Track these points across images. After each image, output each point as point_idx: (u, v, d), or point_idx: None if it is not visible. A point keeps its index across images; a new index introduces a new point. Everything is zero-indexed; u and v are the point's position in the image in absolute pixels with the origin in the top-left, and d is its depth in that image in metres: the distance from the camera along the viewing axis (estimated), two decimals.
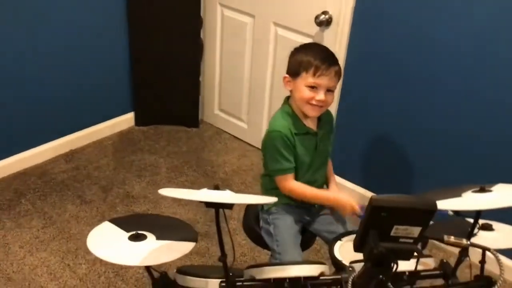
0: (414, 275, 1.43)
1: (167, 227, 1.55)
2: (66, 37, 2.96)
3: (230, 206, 1.34)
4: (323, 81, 1.74)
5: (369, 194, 2.88)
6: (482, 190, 1.35)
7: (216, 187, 1.34)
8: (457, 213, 1.32)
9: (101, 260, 2.43)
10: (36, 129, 3.04)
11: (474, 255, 1.80)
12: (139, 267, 2.34)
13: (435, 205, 1.05)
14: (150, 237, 1.45)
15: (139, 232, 1.45)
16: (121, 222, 1.51)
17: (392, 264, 1.16)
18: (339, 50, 2.70)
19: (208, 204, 1.33)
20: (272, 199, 1.42)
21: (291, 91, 1.84)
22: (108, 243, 1.43)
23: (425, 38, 2.41)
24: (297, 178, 1.83)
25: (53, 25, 2.88)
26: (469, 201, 1.31)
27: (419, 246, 1.15)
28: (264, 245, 1.96)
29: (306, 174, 1.87)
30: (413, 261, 1.44)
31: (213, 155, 3.30)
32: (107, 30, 3.15)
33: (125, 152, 3.26)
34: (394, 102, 2.63)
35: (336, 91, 2.69)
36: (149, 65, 3.35)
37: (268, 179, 1.91)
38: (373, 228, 1.10)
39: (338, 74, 1.79)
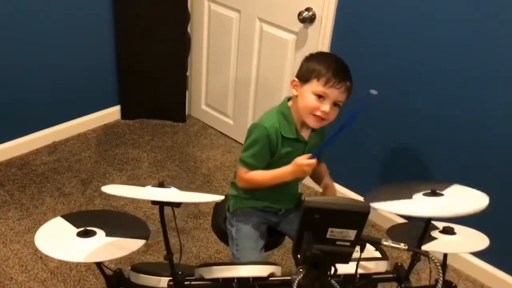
0: (366, 277, 1.40)
1: (119, 223, 1.53)
2: (51, 29, 2.95)
3: (176, 205, 1.31)
4: (333, 93, 1.67)
5: (353, 195, 2.85)
6: (433, 193, 1.31)
7: (161, 184, 1.32)
8: (407, 217, 1.29)
9: None
10: (20, 120, 3.03)
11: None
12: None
13: (368, 208, 1.02)
14: (100, 233, 1.43)
15: (88, 228, 1.43)
16: (73, 218, 1.50)
17: (331, 267, 1.13)
18: (322, 47, 2.67)
19: (153, 202, 1.31)
20: (219, 197, 1.39)
21: (296, 96, 1.75)
22: (56, 239, 1.42)
23: (409, 33, 2.37)
24: (278, 189, 1.78)
25: (38, 17, 2.87)
26: (418, 206, 1.27)
27: (357, 249, 1.12)
28: None
29: None
30: (368, 264, 1.43)
31: (197, 151, 3.28)
32: (93, 22, 3.13)
33: (109, 145, 3.25)
34: (384, 106, 2.59)
35: None
36: (136, 59, 3.33)
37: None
38: (308, 230, 1.07)
39: (349, 89, 1.72)
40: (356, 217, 1.04)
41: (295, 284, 1.22)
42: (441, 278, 1.13)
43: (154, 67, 3.36)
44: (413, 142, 2.55)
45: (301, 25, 2.72)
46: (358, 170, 2.80)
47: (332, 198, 1.04)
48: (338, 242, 1.09)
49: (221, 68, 3.28)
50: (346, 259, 1.12)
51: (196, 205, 2.80)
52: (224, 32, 3.16)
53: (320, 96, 1.67)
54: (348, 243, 1.09)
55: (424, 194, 1.33)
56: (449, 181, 1.56)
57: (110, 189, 1.28)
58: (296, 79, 1.75)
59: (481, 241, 1.58)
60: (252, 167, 1.76)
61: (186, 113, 3.58)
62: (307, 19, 2.67)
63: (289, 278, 1.39)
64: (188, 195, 1.30)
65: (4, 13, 2.74)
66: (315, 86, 1.67)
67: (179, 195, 1.30)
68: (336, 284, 1.25)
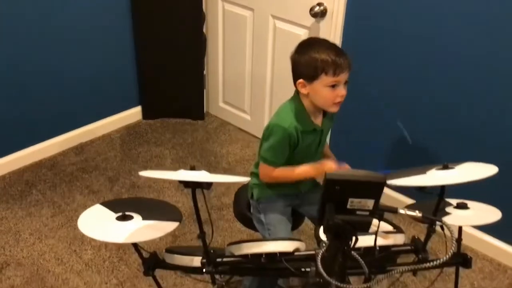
0: (385, 250, 1.50)
1: (154, 208, 1.64)
2: (74, 36, 3.09)
3: (207, 186, 1.43)
4: (342, 77, 1.73)
5: None
6: (445, 167, 1.41)
7: (192, 168, 1.43)
8: (421, 189, 1.38)
9: (106, 246, 2.56)
10: (48, 124, 3.18)
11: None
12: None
13: (384, 178, 1.12)
14: (137, 217, 1.54)
15: (126, 213, 1.54)
16: (111, 205, 1.61)
17: (352, 237, 1.24)
18: (334, 40, 2.76)
19: (186, 184, 1.42)
20: (245, 179, 1.50)
21: (306, 94, 1.79)
22: (97, 223, 1.53)
23: (419, 26, 2.45)
24: (289, 165, 1.86)
25: (60, 23, 3.01)
26: (432, 178, 1.37)
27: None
28: (256, 228, 2.05)
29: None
30: (384, 237, 1.52)
31: (217, 146, 3.40)
32: (112, 28, 3.27)
33: (132, 144, 3.38)
34: (390, 95, 2.68)
35: None
36: (155, 61, 3.46)
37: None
38: (329, 202, 1.18)
39: (350, 64, 1.76)
40: (373, 187, 1.13)
41: (319, 257, 1.33)
42: (455, 243, 1.22)
43: (172, 68, 3.49)
44: (428, 131, 2.62)
45: (313, 19, 2.82)
46: (370, 157, 2.89)
47: (351, 170, 1.14)
48: (358, 212, 1.19)
49: (237, 66, 3.40)
50: (366, 227, 1.21)
51: (220, 196, 2.92)
52: (239, 30, 3.27)
53: (333, 86, 1.74)
54: (367, 213, 1.19)
55: (437, 169, 1.42)
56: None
57: (147, 173, 1.39)
58: (301, 80, 1.77)
59: (494, 214, 1.66)
60: (275, 165, 1.85)
61: (205, 110, 3.71)
62: (319, 13, 2.77)
63: (313, 252, 1.50)
64: (217, 177, 1.41)
65: (33, 17, 2.88)
66: (325, 80, 1.72)
67: (209, 177, 1.41)
68: (357, 255, 1.35)
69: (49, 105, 3.13)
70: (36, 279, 2.37)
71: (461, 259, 1.70)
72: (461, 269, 2.47)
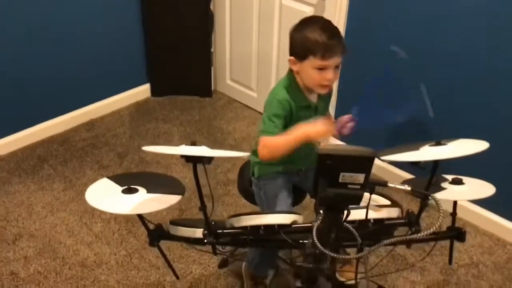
0: (379, 222, 1.56)
1: (158, 182, 1.71)
2: (86, 16, 3.16)
3: (207, 160, 1.49)
4: (331, 61, 1.70)
5: None
6: (438, 144, 1.46)
7: (193, 143, 1.49)
8: (415, 164, 1.43)
9: (115, 219, 2.65)
10: (59, 100, 3.26)
11: (447, 206, 1.92)
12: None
13: (373, 153, 1.17)
14: (142, 190, 1.61)
15: (132, 186, 1.62)
16: (117, 179, 1.68)
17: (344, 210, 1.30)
18: (339, 18, 2.79)
19: (187, 159, 1.48)
20: (245, 154, 1.55)
21: (297, 71, 1.79)
22: (104, 195, 1.61)
23: (426, 8, 2.46)
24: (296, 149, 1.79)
25: (72, 2, 3.06)
26: (425, 153, 1.41)
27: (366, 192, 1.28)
28: None
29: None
30: (378, 211, 1.58)
31: (224, 123, 3.46)
32: (121, 7, 3.32)
33: (141, 121, 3.45)
34: (395, 71, 2.70)
35: None
36: (163, 39, 3.50)
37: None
38: (322, 176, 1.23)
39: (343, 49, 1.73)
40: (363, 161, 1.19)
41: (315, 228, 1.39)
42: (441, 215, 1.27)
43: (180, 46, 3.54)
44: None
45: None
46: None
47: (342, 146, 1.19)
48: (349, 186, 1.25)
49: (244, 44, 3.43)
50: (357, 201, 1.27)
51: (226, 172, 2.99)
52: (245, 8, 3.30)
53: (321, 69, 1.72)
54: (358, 186, 1.25)
55: (430, 146, 1.47)
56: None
57: (150, 148, 1.45)
58: (292, 57, 1.77)
59: (488, 189, 1.71)
60: (270, 133, 1.79)
61: (212, 88, 3.76)
62: None
63: (310, 224, 1.55)
64: (218, 152, 1.47)
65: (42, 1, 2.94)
66: (313, 61, 1.70)
67: (209, 152, 1.47)
68: (349, 226, 1.41)
69: (61, 83, 3.20)
70: (48, 250, 2.47)
71: (456, 232, 1.76)
72: (460, 244, 2.55)
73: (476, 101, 2.45)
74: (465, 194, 1.71)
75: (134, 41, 3.48)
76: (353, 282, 2.19)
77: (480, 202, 2.65)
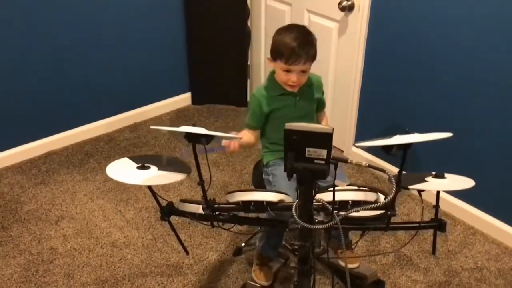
0: (356, 204, 1.72)
1: (169, 163, 1.97)
2: (136, 31, 3.52)
3: (205, 141, 1.73)
4: (295, 67, 2.01)
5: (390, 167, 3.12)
6: (407, 133, 1.62)
7: (193, 125, 1.74)
8: (387, 150, 1.59)
9: (146, 208, 2.93)
10: (108, 104, 3.63)
11: (430, 198, 2.06)
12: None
13: (331, 130, 1.37)
14: (153, 168, 1.88)
15: (145, 164, 1.88)
16: (135, 158, 1.95)
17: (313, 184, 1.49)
18: (361, 33, 2.99)
19: (188, 139, 1.73)
20: (238, 137, 1.80)
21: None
22: (121, 170, 1.88)
23: (443, 19, 2.59)
24: (279, 130, 2.10)
25: (120, 16, 3.44)
26: (395, 139, 1.59)
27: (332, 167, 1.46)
28: None
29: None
30: (358, 193, 1.75)
31: None
32: (166, 22, 3.67)
33: (180, 125, 3.73)
34: (416, 88, 2.84)
35: (357, 75, 2.96)
36: (204, 52, 3.82)
37: (265, 139, 2.27)
38: (291, 150, 1.44)
39: (310, 58, 2.01)
40: (323, 137, 1.37)
41: (294, 206, 1.58)
42: (393, 190, 1.45)
43: (219, 59, 3.84)
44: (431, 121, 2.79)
45: (342, 13, 3.05)
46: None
47: (307, 124, 1.38)
48: (315, 161, 1.44)
49: None
50: (323, 175, 1.45)
51: (250, 173, 3.22)
52: (279, 24, 3.50)
53: (287, 71, 2.03)
54: (322, 161, 1.43)
55: (400, 135, 1.63)
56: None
57: (157, 127, 1.71)
58: (269, 56, 2.09)
59: (468, 182, 1.85)
60: (248, 127, 2.21)
61: (248, 99, 4.02)
62: (347, 7, 3.00)
63: (293, 203, 1.75)
64: (211, 132, 1.71)
65: (96, 5, 3.31)
66: (279, 64, 2.03)
67: (204, 131, 1.71)
68: (321, 199, 1.59)
69: (110, 89, 3.58)
70: (84, 230, 2.78)
71: (437, 223, 1.90)
72: (467, 250, 2.64)
73: (448, 99, 2.56)
74: (446, 185, 1.86)
75: (178, 54, 3.82)
76: (354, 266, 2.35)
77: (491, 211, 2.72)
